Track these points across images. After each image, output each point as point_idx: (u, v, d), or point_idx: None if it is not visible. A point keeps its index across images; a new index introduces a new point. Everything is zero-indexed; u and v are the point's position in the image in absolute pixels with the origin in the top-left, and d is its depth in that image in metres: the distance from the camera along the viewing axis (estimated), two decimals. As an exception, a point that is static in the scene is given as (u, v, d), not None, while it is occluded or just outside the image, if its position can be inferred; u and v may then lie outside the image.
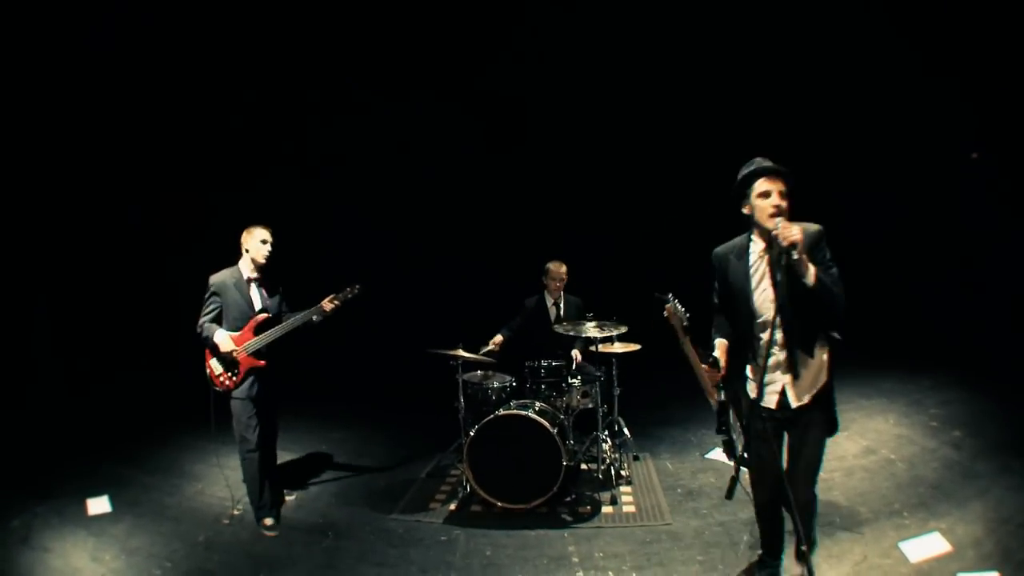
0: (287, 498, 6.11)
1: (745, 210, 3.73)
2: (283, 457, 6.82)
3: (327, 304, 5.49)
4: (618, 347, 6.58)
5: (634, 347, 6.62)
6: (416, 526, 5.57)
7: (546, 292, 7.29)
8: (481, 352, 6.68)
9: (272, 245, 5.53)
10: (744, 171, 3.71)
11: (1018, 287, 7.95)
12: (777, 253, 3.50)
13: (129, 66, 8.99)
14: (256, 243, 5.48)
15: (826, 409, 3.73)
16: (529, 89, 10.02)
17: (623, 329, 6.20)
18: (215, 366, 5.47)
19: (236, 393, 5.46)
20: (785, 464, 3.75)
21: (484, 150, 10.53)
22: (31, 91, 8.57)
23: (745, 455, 3.77)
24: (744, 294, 3.76)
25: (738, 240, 3.89)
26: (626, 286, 8.76)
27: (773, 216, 3.49)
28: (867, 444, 6.16)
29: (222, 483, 6.23)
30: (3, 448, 6.93)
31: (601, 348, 6.33)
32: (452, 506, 5.92)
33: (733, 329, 3.96)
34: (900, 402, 6.96)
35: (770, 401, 3.75)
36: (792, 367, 3.68)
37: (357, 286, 5.61)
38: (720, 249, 3.97)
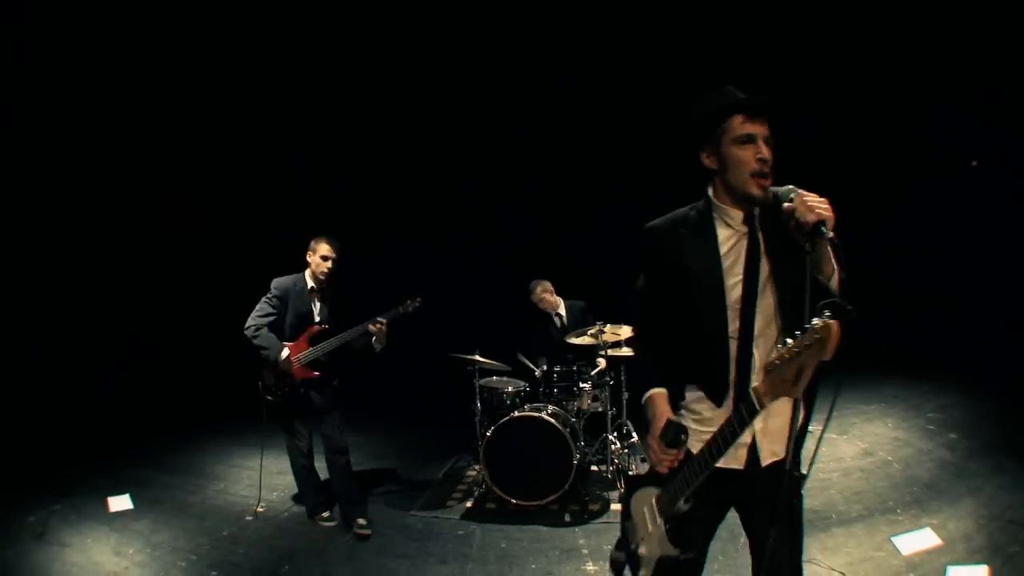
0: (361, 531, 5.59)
1: (707, 161, 2.52)
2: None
3: (374, 326, 5.37)
4: (627, 352, 6.66)
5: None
6: (434, 522, 5.80)
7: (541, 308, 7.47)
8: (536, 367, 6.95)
9: (335, 262, 5.49)
10: (703, 107, 2.52)
11: (1016, 291, 8.09)
12: (782, 229, 2.32)
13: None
14: (317, 258, 5.47)
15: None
16: (543, 93, 10.16)
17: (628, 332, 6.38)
18: (267, 377, 5.49)
19: (289, 404, 5.55)
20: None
21: (495, 161, 10.71)
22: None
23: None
24: (714, 290, 2.48)
25: (686, 211, 2.64)
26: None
27: (759, 176, 2.38)
28: (865, 447, 6.33)
29: (244, 483, 6.47)
30: (24, 450, 7.10)
31: (610, 353, 6.53)
32: (468, 504, 6.15)
33: (673, 348, 2.65)
34: (899, 407, 7.12)
35: (733, 459, 2.49)
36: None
37: (418, 298, 5.55)
38: (660, 223, 2.67)
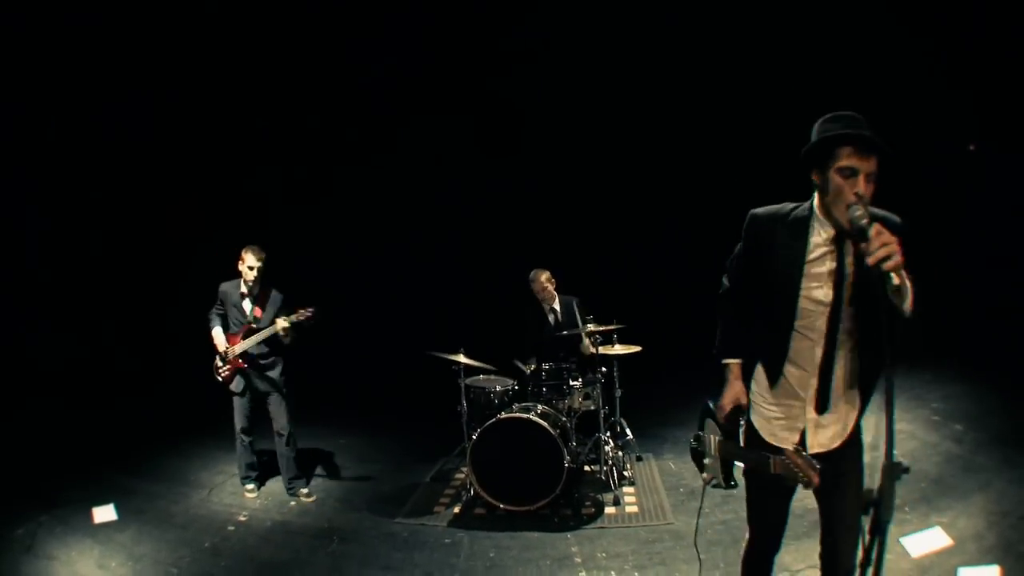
0: (305, 498, 6.36)
1: (814, 178, 2.71)
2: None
3: (279, 323, 5.98)
4: (619, 348, 6.55)
5: (634, 349, 6.59)
6: (420, 529, 5.64)
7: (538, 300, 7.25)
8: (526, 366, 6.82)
9: (259, 270, 6.05)
10: (825, 129, 2.66)
11: (1018, 279, 7.92)
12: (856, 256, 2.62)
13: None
14: (244, 267, 6.09)
15: (859, 452, 3.01)
16: (531, 94, 10.03)
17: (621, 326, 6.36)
18: (217, 360, 6.21)
19: (232, 388, 6.22)
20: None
21: (484, 155, 10.55)
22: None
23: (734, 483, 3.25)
24: (789, 288, 2.76)
25: (792, 207, 2.85)
26: (626, 289, 8.77)
27: (853, 206, 2.47)
28: (868, 440, 6.14)
29: (228, 491, 6.33)
30: (7, 459, 6.90)
31: (602, 350, 6.33)
32: (456, 509, 5.97)
33: (757, 328, 2.99)
34: (902, 397, 6.93)
35: (788, 441, 2.93)
36: (831, 398, 2.86)
37: (311, 310, 6.03)
38: (763, 212, 2.91)
